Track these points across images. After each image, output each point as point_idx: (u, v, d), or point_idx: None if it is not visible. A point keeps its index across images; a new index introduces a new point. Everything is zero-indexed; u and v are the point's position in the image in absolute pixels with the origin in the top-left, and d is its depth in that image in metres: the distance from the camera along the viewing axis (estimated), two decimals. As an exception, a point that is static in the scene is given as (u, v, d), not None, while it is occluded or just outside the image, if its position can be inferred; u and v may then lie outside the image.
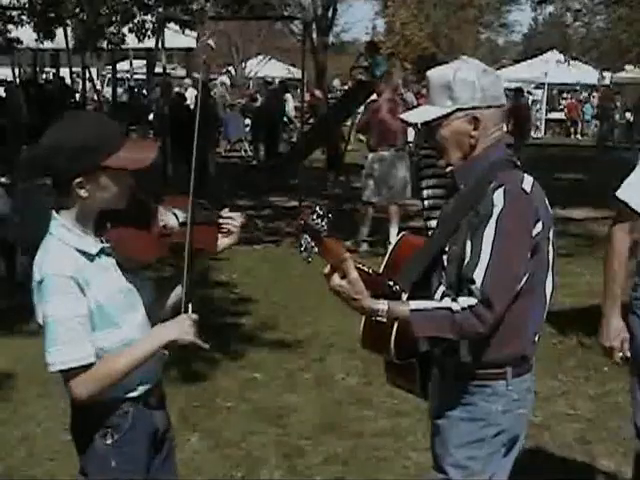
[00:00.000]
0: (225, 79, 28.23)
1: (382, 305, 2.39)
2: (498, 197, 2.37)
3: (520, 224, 2.39)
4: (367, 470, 4.23)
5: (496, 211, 2.36)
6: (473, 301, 2.32)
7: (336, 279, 2.41)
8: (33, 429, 4.65)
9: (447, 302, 2.37)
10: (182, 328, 2.36)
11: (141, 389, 2.44)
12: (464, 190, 2.51)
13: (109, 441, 2.40)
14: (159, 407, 2.55)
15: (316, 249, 2.37)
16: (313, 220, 2.37)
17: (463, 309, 2.32)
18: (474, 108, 2.46)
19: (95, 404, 2.37)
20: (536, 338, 2.56)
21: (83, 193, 2.26)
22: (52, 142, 2.25)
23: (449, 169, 2.58)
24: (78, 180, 2.24)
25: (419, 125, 2.73)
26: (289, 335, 6.31)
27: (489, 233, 2.35)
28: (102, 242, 2.37)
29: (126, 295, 2.40)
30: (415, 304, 2.39)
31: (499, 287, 2.34)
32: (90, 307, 2.30)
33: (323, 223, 2.38)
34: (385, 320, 2.41)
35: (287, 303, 7.06)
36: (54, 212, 2.34)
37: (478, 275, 2.33)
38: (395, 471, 4.22)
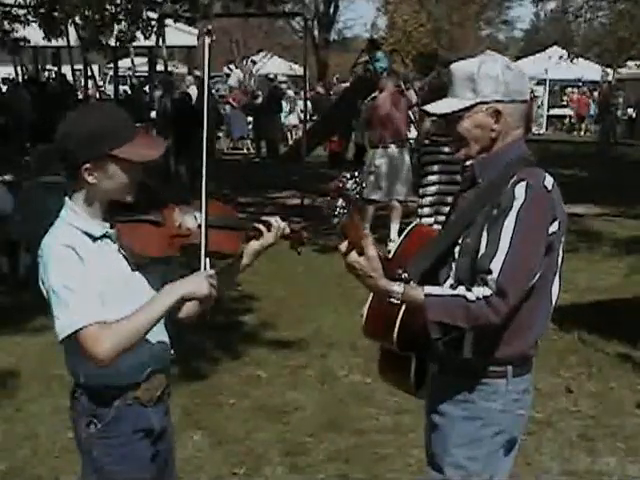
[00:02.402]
0: (239, 74, 27.84)
1: (398, 287, 2.37)
2: (520, 190, 2.35)
3: (539, 219, 2.36)
4: (369, 467, 4.24)
5: (517, 204, 2.34)
6: (488, 292, 2.30)
7: (354, 255, 2.39)
8: (37, 427, 4.65)
9: (462, 290, 2.34)
10: (196, 282, 2.36)
11: (126, 380, 2.43)
12: (483, 184, 2.48)
13: (92, 430, 2.44)
14: (156, 406, 2.52)
15: (345, 217, 2.32)
16: (351, 185, 2.33)
17: (478, 299, 2.30)
18: (496, 102, 2.44)
19: (83, 390, 2.43)
20: (538, 339, 2.54)
21: (91, 179, 2.36)
22: (66, 129, 2.36)
23: (469, 162, 2.55)
24: (86, 166, 2.34)
25: (436, 116, 2.69)
26: (291, 332, 6.32)
27: (509, 224, 2.33)
28: (110, 228, 2.41)
29: (126, 284, 2.39)
30: (430, 289, 2.37)
31: (515, 279, 2.32)
32: None
33: (358, 190, 2.34)
34: (398, 302, 2.39)
35: (289, 300, 7.06)
36: (66, 197, 2.43)
37: (495, 266, 2.30)
38: (397, 468, 4.22)
